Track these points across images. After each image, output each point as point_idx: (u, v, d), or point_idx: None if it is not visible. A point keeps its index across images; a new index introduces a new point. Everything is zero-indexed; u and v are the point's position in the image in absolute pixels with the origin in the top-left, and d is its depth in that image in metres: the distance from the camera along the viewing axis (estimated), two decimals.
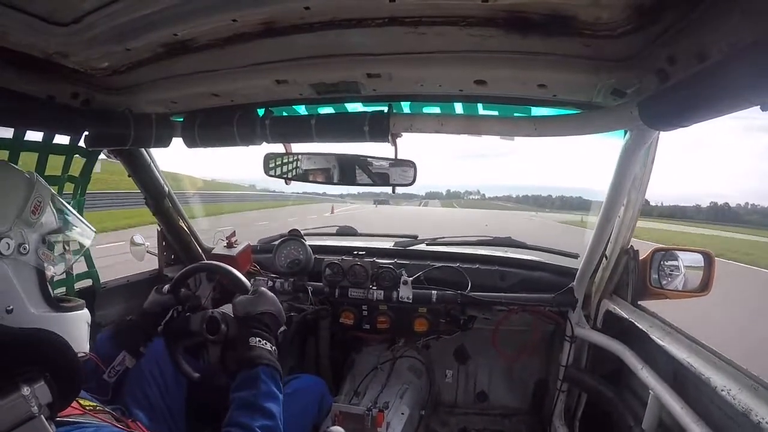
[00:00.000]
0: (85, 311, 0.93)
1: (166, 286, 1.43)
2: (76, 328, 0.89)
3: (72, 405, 0.86)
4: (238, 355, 1.15)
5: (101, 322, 1.63)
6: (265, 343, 1.15)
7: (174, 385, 1.41)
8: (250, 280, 1.46)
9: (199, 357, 1.42)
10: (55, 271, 0.89)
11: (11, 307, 0.77)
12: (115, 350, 1.34)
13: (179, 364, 1.35)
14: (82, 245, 1.00)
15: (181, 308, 1.42)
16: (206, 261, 1.49)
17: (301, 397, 1.49)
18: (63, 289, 1.58)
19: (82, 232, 0.98)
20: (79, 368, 0.83)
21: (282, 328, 1.27)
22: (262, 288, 1.28)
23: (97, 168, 1.67)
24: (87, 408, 0.93)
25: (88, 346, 0.93)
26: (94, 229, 1.03)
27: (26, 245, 0.81)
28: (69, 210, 0.95)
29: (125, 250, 2.10)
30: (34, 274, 0.83)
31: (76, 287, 1.63)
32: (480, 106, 1.32)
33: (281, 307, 1.28)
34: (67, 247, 0.94)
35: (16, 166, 0.91)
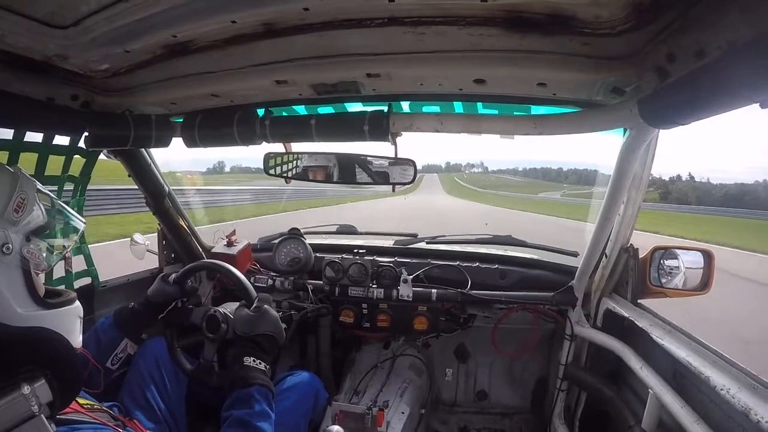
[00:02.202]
0: (76, 305, 0.91)
1: (173, 276, 1.44)
2: (67, 323, 0.87)
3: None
4: (232, 374, 1.15)
5: None
6: (260, 363, 1.17)
7: (174, 385, 1.42)
8: (250, 279, 1.47)
9: (196, 355, 1.43)
10: (42, 269, 0.86)
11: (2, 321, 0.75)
12: (117, 337, 1.35)
13: (175, 353, 1.36)
14: (71, 240, 0.96)
15: (186, 300, 1.43)
16: (218, 261, 1.49)
17: (296, 392, 1.50)
18: (62, 288, 1.58)
19: (71, 226, 0.95)
20: (80, 367, 0.84)
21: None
22: (266, 306, 1.28)
23: None
24: (84, 407, 0.94)
25: (81, 341, 0.91)
26: (84, 221, 1.00)
27: (9, 245, 0.79)
28: (56, 203, 0.92)
29: None
30: (20, 274, 0.81)
31: (75, 285, 1.64)
32: (480, 104, 1.32)
33: (281, 326, 1.28)
34: (54, 244, 0.90)
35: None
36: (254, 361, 1.16)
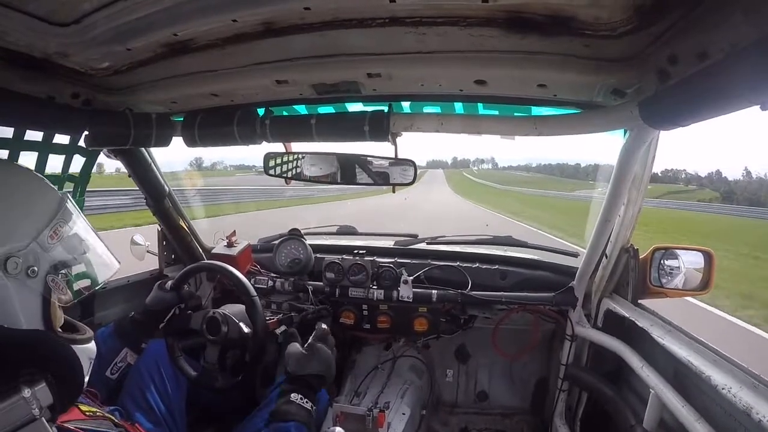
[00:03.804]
0: (91, 345, 0.86)
1: (170, 283, 1.44)
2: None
3: (72, 411, 0.86)
4: (276, 406, 1.16)
5: (101, 322, 1.63)
6: (306, 402, 1.17)
7: (174, 388, 1.42)
8: (250, 280, 1.47)
9: (198, 358, 1.43)
10: (64, 301, 0.81)
11: (6, 326, 0.72)
12: (117, 346, 1.35)
13: (178, 361, 1.36)
14: (98, 280, 0.87)
15: (183, 306, 1.42)
16: (212, 261, 1.49)
17: None
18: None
19: (103, 264, 0.87)
20: (81, 370, 0.83)
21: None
22: (319, 345, 1.26)
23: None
24: (87, 413, 0.94)
25: (86, 381, 0.85)
26: (120, 262, 0.92)
27: (36, 268, 0.75)
28: (94, 237, 0.86)
29: None
30: (39, 301, 0.76)
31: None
32: (480, 105, 1.32)
33: (333, 365, 1.27)
34: (81, 279, 0.84)
35: (50, 183, 0.83)
36: (301, 399, 1.16)
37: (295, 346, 1.26)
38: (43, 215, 0.78)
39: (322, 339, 1.28)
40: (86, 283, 0.85)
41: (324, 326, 1.32)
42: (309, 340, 1.27)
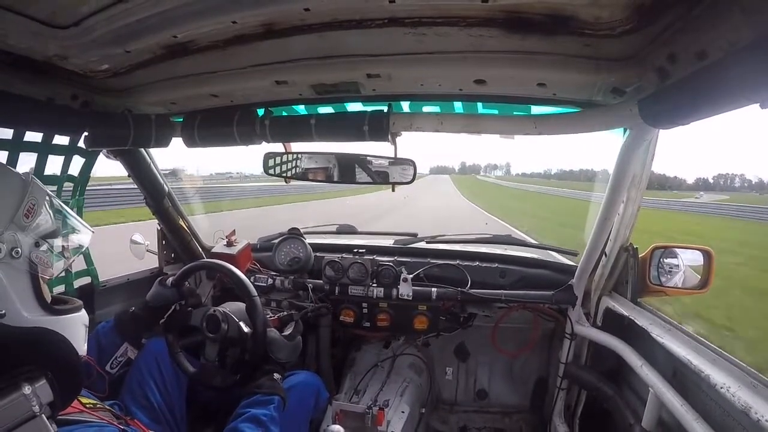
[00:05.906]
0: (83, 313, 0.90)
1: (170, 279, 1.45)
2: (73, 330, 0.86)
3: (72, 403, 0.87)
4: (262, 382, 1.30)
5: (101, 321, 1.64)
6: (282, 380, 1.37)
7: (174, 385, 1.42)
8: (250, 279, 1.47)
9: (198, 355, 1.43)
10: (50, 274, 0.85)
11: (3, 311, 0.74)
12: (118, 341, 1.36)
13: (177, 357, 1.37)
14: (78, 247, 0.96)
15: (184, 303, 1.43)
16: (215, 260, 1.49)
17: (297, 392, 1.51)
18: (62, 288, 1.58)
19: (79, 233, 0.95)
20: (81, 367, 0.84)
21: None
22: (299, 337, 1.47)
23: None
24: (87, 406, 0.94)
25: (86, 349, 0.90)
26: (92, 229, 1.00)
27: (19, 249, 0.78)
28: (65, 211, 0.92)
29: None
30: (28, 278, 0.80)
31: (75, 285, 1.64)
32: (480, 104, 1.32)
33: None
34: (62, 250, 0.90)
35: (11, 167, 0.88)
36: (280, 378, 1.35)
37: (279, 335, 1.41)
38: (13, 198, 0.80)
39: (299, 329, 1.49)
40: (68, 249, 0.92)
41: (299, 319, 1.53)
42: (290, 332, 1.45)
